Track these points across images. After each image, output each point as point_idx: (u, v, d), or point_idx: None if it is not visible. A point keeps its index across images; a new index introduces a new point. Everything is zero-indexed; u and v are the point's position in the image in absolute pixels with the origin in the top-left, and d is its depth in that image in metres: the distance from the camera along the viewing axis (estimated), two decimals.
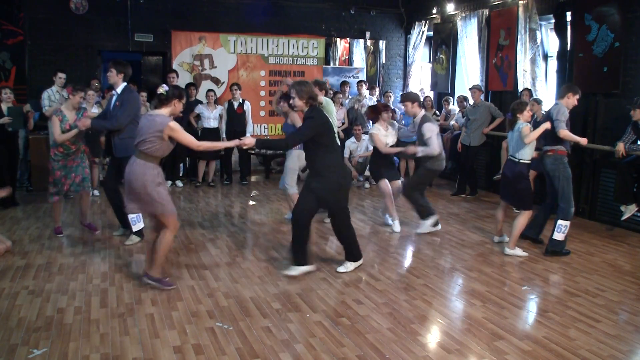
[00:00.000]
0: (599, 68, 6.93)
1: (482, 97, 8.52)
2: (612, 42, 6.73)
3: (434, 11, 10.71)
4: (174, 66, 9.71)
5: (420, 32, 11.12)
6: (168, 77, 8.81)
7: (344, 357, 3.40)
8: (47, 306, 4.06)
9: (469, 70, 9.49)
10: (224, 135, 8.89)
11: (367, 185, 9.18)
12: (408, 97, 6.26)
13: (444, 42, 10.49)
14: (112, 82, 5.60)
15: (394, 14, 11.66)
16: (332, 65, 11.22)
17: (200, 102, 9.08)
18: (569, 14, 7.41)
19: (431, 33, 10.95)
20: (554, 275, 5.01)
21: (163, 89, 4.32)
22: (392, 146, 6.41)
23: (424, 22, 11.02)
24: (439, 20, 10.62)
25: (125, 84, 5.56)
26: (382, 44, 11.57)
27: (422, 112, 6.22)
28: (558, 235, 5.46)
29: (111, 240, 5.80)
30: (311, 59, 10.66)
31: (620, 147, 6.10)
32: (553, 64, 8.11)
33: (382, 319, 3.97)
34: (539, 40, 8.13)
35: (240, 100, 8.93)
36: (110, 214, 6.37)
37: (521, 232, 5.53)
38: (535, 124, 7.18)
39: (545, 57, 8.31)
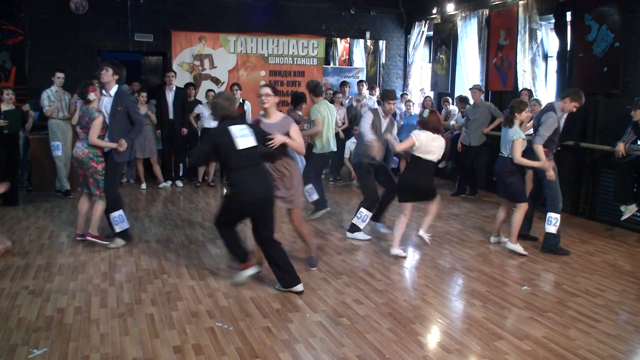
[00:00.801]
0: (599, 68, 6.93)
1: (482, 97, 8.52)
2: (612, 42, 6.73)
3: (434, 11, 10.71)
4: (174, 66, 9.72)
5: (420, 32, 11.12)
6: (167, 75, 8.82)
7: (344, 357, 3.40)
8: (47, 306, 4.05)
9: (469, 70, 9.49)
10: None
11: None
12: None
13: (444, 42, 10.49)
14: (105, 82, 5.43)
15: (394, 14, 11.66)
16: (332, 65, 11.22)
17: (200, 102, 9.08)
18: (569, 14, 7.41)
19: (431, 33, 10.95)
20: (554, 275, 5.01)
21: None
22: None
23: (424, 22, 11.02)
24: (439, 20, 10.62)
25: (117, 86, 5.47)
26: (382, 44, 11.57)
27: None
28: (550, 228, 5.54)
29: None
30: (311, 59, 10.66)
31: (620, 147, 6.10)
32: (553, 64, 8.11)
33: (382, 319, 3.97)
34: (539, 40, 8.13)
35: (241, 101, 8.93)
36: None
37: (520, 225, 5.58)
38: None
39: (545, 57, 8.31)
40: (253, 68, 10.33)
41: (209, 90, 9.07)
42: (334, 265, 5.14)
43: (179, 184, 8.91)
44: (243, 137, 4.21)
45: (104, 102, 5.46)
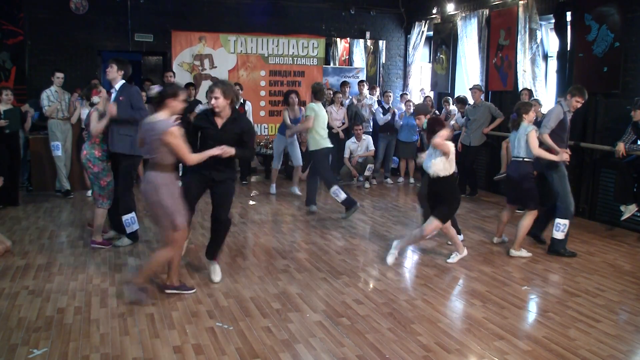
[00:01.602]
0: (599, 68, 6.93)
1: (482, 97, 8.52)
2: (612, 42, 6.73)
3: (434, 11, 10.71)
4: (174, 66, 9.72)
5: (420, 32, 11.13)
6: (165, 75, 8.82)
7: (344, 357, 3.40)
8: (47, 306, 4.05)
9: (469, 70, 9.49)
10: None
11: (367, 185, 9.18)
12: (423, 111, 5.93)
13: (444, 42, 10.49)
14: (110, 78, 5.46)
15: (394, 14, 11.67)
16: (332, 65, 11.22)
17: (200, 102, 9.07)
18: (569, 14, 7.41)
19: (431, 33, 10.95)
20: (554, 275, 5.01)
21: (154, 91, 4.03)
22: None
23: (424, 22, 11.02)
24: (439, 20, 10.62)
25: (123, 81, 5.48)
26: (382, 44, 11.58)
27: None
28: (557, 234, 5.48)
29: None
30: (311, 59, 10.66)
31: (620, 147, 6.10)
32: (553, 64, 8.11)
33: (382, 319, 3.97)
34: (539, 40, 8.13)
35: (242, 100, 8.93)
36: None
37: (526, 232, 5.54)
38: (536, 125, 7.21)
39: (545, 57, 8.31)
40: (253, 68, 10.33)
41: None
42: (334, 265, 5.14)
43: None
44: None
45: (111, 98, 5.50)
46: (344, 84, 10.00)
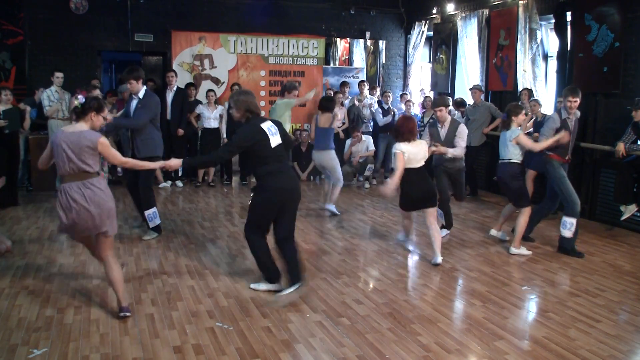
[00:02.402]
0: (599, 68, 6.93)
1: (482, 97, 8.52)
2: (612, 42, 6.72)
3: (434, 11, 10.71)
4: (174, 66, 9.71)
5: (420, 32, 11.12)
6: (167, 76, 8.82)
7: (344, 357, 3.40)
8: (47, 306, 4.05)
9: (469, 70, 9.49)
10: (225, 136, 8.89)
11: (367, 185, 9.18)
12: (442, 103, 5.97)
13: (444, 42, 10.49)
14: (135, 91, 5.71)
15: (394, 14, 11.67)
16: (332, 65, 11.22)
17: (200, 102, 9.08)
18: (569, 14, 7.41)
19: (431, 33, 10.95)
20: (554, 275, 5.01)
21: (78, 101, 3.97)
22: None
23: (424, 22, 11.02)
24: (439, 20, 10.62)
25: (145, 88, 5.78)
26: (382, 44, 11.57)
27: (449, 117, 6.00)
28: (564, 232, 5.54)
29: None
30: (311, 59, 10.66)
31: (620, 147, 6.10)
32: (553, 64, 8.11)
33: (382, 319, 3.97)
34: (539, 40, 8.13)
35: None
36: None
37: (524, 230, 5.59)
38: (536, 125, 7.22)
39: (545, 57, 8.31)
40: (253, 68, 10.33)
41: (209, 90, 9.06)
42: (334, 265, 5.14)
43: (179, 184, 8.91)
44: (273, 135, 4.23)
45: (134, 103, 5.79)
46: (344, 84, 10.01)
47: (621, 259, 5.55)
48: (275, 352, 3.43)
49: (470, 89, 8.66)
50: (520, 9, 8.30)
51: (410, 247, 5.78)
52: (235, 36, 10.16)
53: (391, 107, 9.55)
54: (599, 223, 6.92)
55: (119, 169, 8.60)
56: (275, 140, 4.23)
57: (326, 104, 7.10)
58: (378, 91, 10.53)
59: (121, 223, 6.15)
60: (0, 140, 6.82)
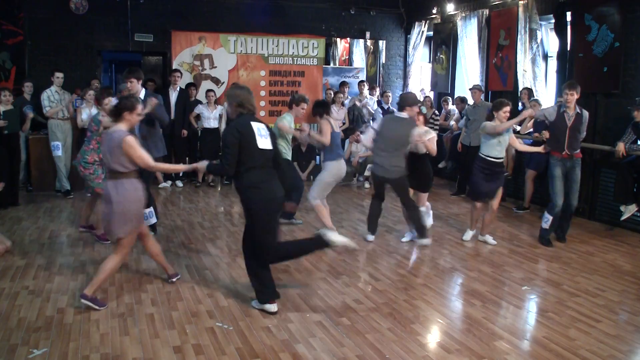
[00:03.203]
0: (599, 68, 6.93)
1: (482, 97, 8.51)
2: (612, 42, 6.72)
3: (434, 11, 10.70)
4: (174, 66, 9.71)
5: (420, 32, 11.12)
6: (172, 75, 8.83)
7: (344, 357, 3.40)
8: (47, 306, 4.06)
9: (469, 70, 9.49)
10: None
11: (367, 185, 9.18)
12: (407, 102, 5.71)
13: (444, 42, 10.49)
14: (135, 91, 5.61)
15: (394, 14, 11.66)
16: (332, 65, 11.21)
17: (200, 102, 9.08)
18: (569, 14, 7.41)
19: (431, 33, 10.94)
20: (554, 275, 5.01)
21: (111, 103, 4.12)
22: None
23: (424, 22, 11.02)
24: (439, 20, 10.62)
25: (144, 89, 5.78)
26: (382, 44, 11.57)
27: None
28: (542, 224, 5.93)
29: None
30: (311, 59, 10.65)
31: (621, 147, 6.11)
32: (553, 64, 8.11)
33: (382, 319, 3.97)
34: (539, 40, 8.13)
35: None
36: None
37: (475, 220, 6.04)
38: (536, 125, 7.21)
39: (545, 57, 8.31)
40: (253, 68, 10.32)
41: (209, 90, 9.06)
42: (334, 265, 5.14)
43: (179, 184, 8.91)
44: (262, 138, 3.93)
45: None
46: (343, 84, 10.00)
47: (621, 259, 5.55)
48: (275, 352, 3.43)
49: (470, 89, 8.65)
50: (520, 9, 8.30)
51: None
52: (235, 36, 10.15)
53: (391, 107, 9.55)
54: (599, 223, 6.92)
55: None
56: (263, 142, 3.93)
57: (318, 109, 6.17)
58: (378, 91, 10.53)
59: None
60: (0, 141, 6.83)
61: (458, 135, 8.86)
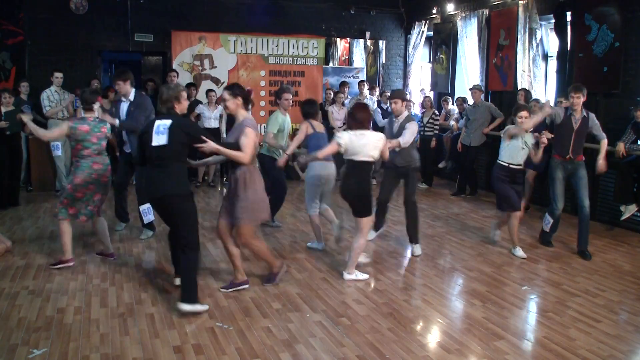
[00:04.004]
0: (599, 68, 6.93)
1: (482, 97, 8.52)
2: (612, 42, 6.73)
3: (434, 11, 10.70)
4: (174, 66, 9.71)
5: (420, 32, 11.12)
6: (168, 75, 8.83)
7: (344, 357, 3.40)
8: (47, 306, 4.05)
9: (469, 70, 9.49)
10: (225, 136, 8.89)
11: None
12: (398, 95, 5.61)
13: (444, 42, 10.49)
14: (124, 92, 5.63)
15: (394, 14, 11.66)
16: (332, 65, 11.21)
17: (200, 102, 9.08)
18: (569, 14, 7.41)
19: (431, 33, 10.95)
20: (554, 275, 5.01)
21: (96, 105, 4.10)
22: None
23: (424, 22, 11.02)
24: (439, 20, 10.62)
25: (134, 90, 5.70)
26: (382, 44, 11.57)
27: (406, 111, 5.67)
28: (543, 226, 5.87)
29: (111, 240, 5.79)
30: (311, 59, 10.65)
31: (621, 147, 6.11)
32: (553, 64, 8.11)
33: (382, 319, 3.97)
34: (539, 40, 8.13)
35: None
36: (110, 213, 6.36)
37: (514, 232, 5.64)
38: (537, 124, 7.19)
39: (545, 57, 8.31)
40: (253, 68, 10.32)
41: (209, 90, 9.07)
42: (334, 265, 5.13)
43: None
44: (159, 134, 3.91)
45: (125, 107, 5.69)
46: (344, 84, 10.00)
47: (621, 259, 5.55)
48: (275, 352, 3.43)
49: (470, 89, 8.65)
50: (520, 9, 8.30)
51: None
52: (235, 36, 10.15)
53: (390, 107, 9.54)
54: (599, 223, 6.92)
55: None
56: (158, 139, 3.91)
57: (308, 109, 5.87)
58: (377, 91, 10.53)
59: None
60: (1, 141, 6.83)
61: (458, 135, 8.86)
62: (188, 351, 3.42)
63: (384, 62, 11.65)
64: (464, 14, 9.73)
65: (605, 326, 3.92)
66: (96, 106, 5.18)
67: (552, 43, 8.19)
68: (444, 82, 10.61)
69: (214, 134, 8.78)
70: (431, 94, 10.86)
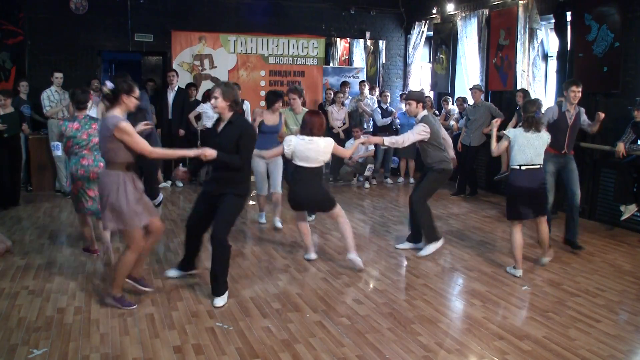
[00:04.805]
0: (599, 68, 6.93)
1: (482, 97, 8.52)
2: (612, 42, 6.72)
3: (434, 11, 10.70)
4: (174, 66, 9.72)
5: (420, 32, 11.12)
6: (168, 75, 8.83)
7: (344, 357, 3.40)
8: (47, 306, 4.05)
9: (469, 70, 9.49)
10: None
11: (367, 185, 9.18)
12: (412, 96, 5.57)
13: (444, 42, 10.49)
14: None
15: (394, 14, 11.66)
16: (332, 65, 11.21)
17: (200, 102, 9.07)
18: (569, 14, 7.41)
19: (431, 33, 10.94)
20: (554, 275, 5.01)
21: (107, 87, 3.83)
22: None
23: (424, 22, 11.02)
24: (439, 20, 10.62)
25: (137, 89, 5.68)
26: (382, 44, 11.57)
27: (424, 112, 5.55)
28: None
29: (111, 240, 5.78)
30: (311, 59, 10.65)
31: (620, 147, 6.10)
32: (553, 64, 8.11)
33: (382, 319, 3.97)
34: (539, 40, 8.13)
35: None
36: None
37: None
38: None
39: (545, 57, 8.31)
40: (253, 68, 10.32)
41: (209, 90, 9.06)
42: (334, 265, 5.13)
43: (179, 184, 8.91)
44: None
45: None
46: (344, 84, 10.01)
47: (621, 259, 5.55)
48: (275, 352, 3.43)
49: (470, 89, 8.65)
50: (520, 9, 8.30)
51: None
52: (235, 36, 10.15)
53: (390, 107, 9.54)
54: (599, 223, 6.92)
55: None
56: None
57: (273, 97, 6.26)
58: (377, 91, 10.53)
59: None
60: (0, 143, 6.82)
61: (458, 135, 8.86)
62: (188, 351, 3.42)
63: (384, 62, 11.65)
64: (464, 14, 9.73)
65: (605, 326, 3.92)
66: (89, 103, 5.29)
67: (552, 43, 8.19)
68: (444, 82, 10.60)
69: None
70: (431, 94, 10.86)
